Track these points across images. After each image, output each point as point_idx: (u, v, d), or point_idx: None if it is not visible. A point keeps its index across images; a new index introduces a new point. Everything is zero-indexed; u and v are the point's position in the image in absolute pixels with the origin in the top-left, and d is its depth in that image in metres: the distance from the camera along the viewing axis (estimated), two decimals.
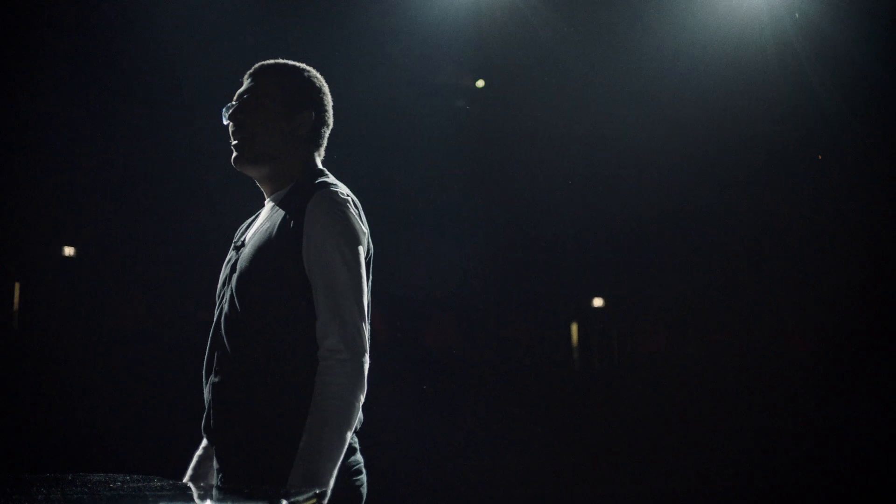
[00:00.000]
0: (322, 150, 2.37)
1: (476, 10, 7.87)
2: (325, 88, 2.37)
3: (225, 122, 2.30)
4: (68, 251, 8.48)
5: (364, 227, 2.20)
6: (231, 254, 2.29)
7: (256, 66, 2.34)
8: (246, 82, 2.32)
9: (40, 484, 1.80)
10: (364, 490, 2.18)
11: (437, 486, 7.03)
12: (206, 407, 2.20)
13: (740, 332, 9.37)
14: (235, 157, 2.27)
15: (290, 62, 2.37)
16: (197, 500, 1.67)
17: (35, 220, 7.84)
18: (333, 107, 2.42)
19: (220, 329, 2.18)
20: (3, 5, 7.43)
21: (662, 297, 9.78)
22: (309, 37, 7.58)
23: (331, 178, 2.27)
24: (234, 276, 2.18)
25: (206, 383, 2.21)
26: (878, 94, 8.71)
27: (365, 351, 2.09)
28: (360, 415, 2.09)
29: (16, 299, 8.03)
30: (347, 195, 2.20)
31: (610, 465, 7.73)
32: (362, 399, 2.07)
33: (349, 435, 2.05)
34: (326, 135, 2.37)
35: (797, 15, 8.01)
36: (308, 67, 2.38)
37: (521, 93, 9.28)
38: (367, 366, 2.08)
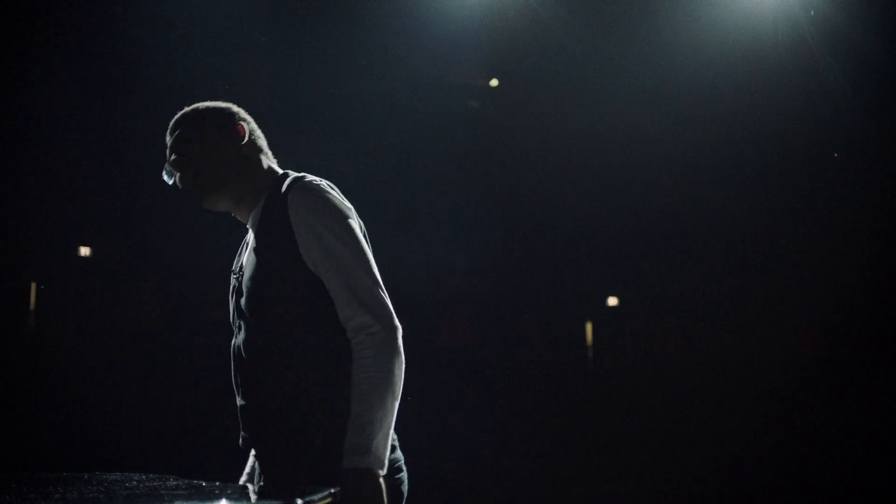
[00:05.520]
0: (271, 157, 2.38)
1: (489, 10, 7.86)
2: (242, 112, 2.38)
3: (170, 182, 2.32)
4: (84, 251, 8.53)
5: (347, 203, 2.21)
6: (232, 281, 2.32)
7: (171, 122, 2.37)
8: (170, 138, 2.34)
9: (57, 483, 1.81)
10: (405, 488, 2.19)
11: (451, 484, 7.02)
12: (240, 426, 2.23)
13: (755, 332, 9.32)
14: (199, 196, 2.29)
15: (197, 105, 2.38)
16: (212, 499, 1.67)
17: (51, 220, 7.88)
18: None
19: (241, 351, 2.20)
20: (20, 7, 7.48)
21: (677, 295, 9.74)
22: (322, 36, 7.60)
23: (297, 173, 2.28)
24: (243, 300, 2.20)
25: (238, 405, 2.24)
26: (893, 92, 8.64)
27: (392, 317, 2.10)
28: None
29: (32, 299, 8.08)
30: (320, 180, 2.22)
31: (624, 463, 7.71)
32: (401, 366, 2.07)
33: (395, 404, 2.06)
34: (265, 145, 2.39)
35: (812, 12, 7.97)
36: (216, 102, 2.39)
37: (535, 91, 9.27)
38: (399, 331, 2.09)
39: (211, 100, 2.40)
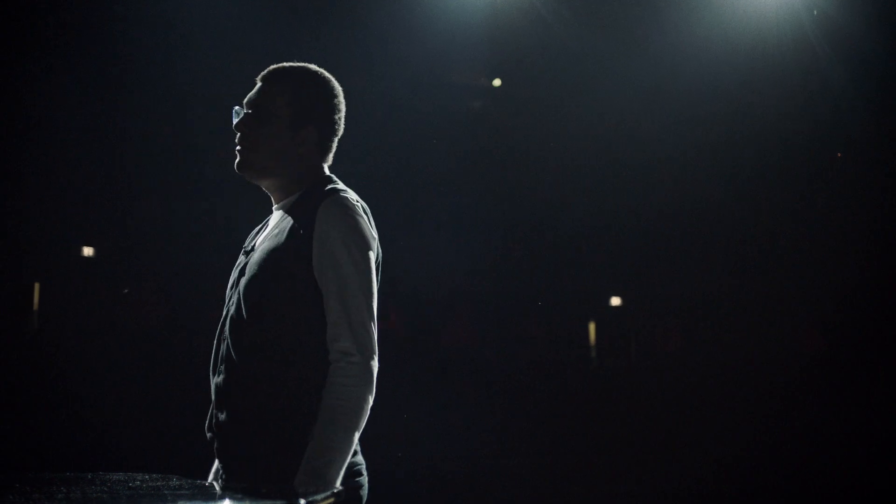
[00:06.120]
0: (330, 157, 2.37)
1: (491, 9, 7.86)
2: (338, 95, 2.34)
3: (234, 121, 2.31)
4: (87, 251, 8.54)
5: (374, 232, 2.22)
6: (241, 258, 2.31)
7: (270, 69, 2.33)
8: (257, 86, 2.32)
9: (60, 483, 1.81)
10: (364, 492, 2.19)
11: (451, 484, 7.03)
12: (211, 406, 2.23)
13: (758, 332, 9.32)
14: (238, 164, 2.30)
15: (304, 67, 2.34)
16: (215, 499, 1.68)
17: (54, 220, 7.89)
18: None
19: (225, 330, 2.21)
20: (20, 7, 7.49)
21: (680, 295, 9.74)
22: (324, 36, 7.60)
23: (340, 185, 2.28)
24: (243, 280, 2.20)
25: (212, 383, 2.23)
26: (895, 92, 8.64)
27: (374, 353, 2.11)
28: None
29: (35, 299, 8.09)
30: (357, 200, 2.22)
31: (625, 463, 7.71)
32: (371, 401, 2.09)
33: (356, 436, 2.08)
34: (335, 141, 2.37)
35: (815, 12, 7.96)
36: (321, 73, 2.35)
37: (537, 91, 9.26)
38: (376, 369, 2.11)
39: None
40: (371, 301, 2.13)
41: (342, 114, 2.36)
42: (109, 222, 8.25)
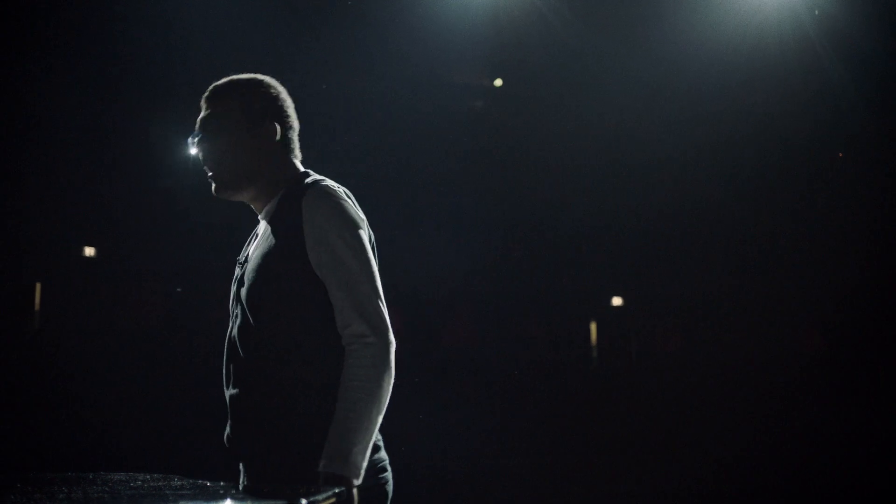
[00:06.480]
0: (298, 153, 2.37)
1: (493, 9, 7.86)
2: (282, 91, 2.36)
3: (193, 151, 2.31)
4: (89, 251, 8.54)
5: (361, 213, 2.22)
6: (237, 270, 2.31)
7: (211, 88, 2.33)
8: (203, 108, 2.32)
9: (62, 483, 1.81)
10: (389, 488, 2.18)
11: (451, 484, 7.03)
12: (228, 419, 2.22)
13: (758, 332, 9.32)
14: (215, 189, 2.30)
15: (243, 77, 2.35)
16: (217, 499, 1.68)
17: (55, 220, 7.89)
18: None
19: (235, 342, 2.20)
20: (20, 7, 7.49)
21: (680, 295, 9.74)
22: (324, 36, 7.60)
23: (317, 175, 2.28)
24: (244, 290, 2.20)
25: (227, 396, 2.23)
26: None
27: (389, 330, 2.09)
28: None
29: (36, 299, 8.09)
30: (338, 186, 2.22)
31: (625, 463, 7.71)
32: (390, 381, 2.07)
33: (379, 418, 2.05)
34: (295, 137, 2.37)
35: (816, 12, 7.96)
36: (261, 77, 2.36)
37: (539, 91, 9.26)
38: (393, 346, 2.09)
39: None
40: (374, 280, 2.13)
41: (292, 108, 2.36)
42: (109, 222, 8.25)
